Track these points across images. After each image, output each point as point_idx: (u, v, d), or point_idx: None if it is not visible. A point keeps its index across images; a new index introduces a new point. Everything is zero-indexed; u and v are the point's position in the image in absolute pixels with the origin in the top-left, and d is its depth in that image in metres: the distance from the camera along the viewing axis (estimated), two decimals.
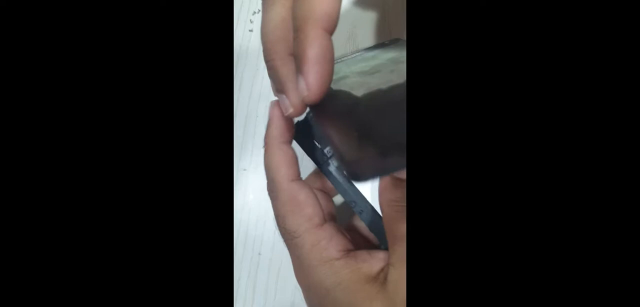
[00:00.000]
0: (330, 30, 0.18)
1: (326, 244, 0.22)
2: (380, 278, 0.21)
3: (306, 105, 0.20)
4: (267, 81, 0.42)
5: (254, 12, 0.45)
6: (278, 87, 0.21)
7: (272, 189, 0.23)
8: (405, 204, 0.21)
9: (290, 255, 0.24)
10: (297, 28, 0.18)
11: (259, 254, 0.36)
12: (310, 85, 0.18)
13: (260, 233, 0.36)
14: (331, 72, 0.18)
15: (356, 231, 0.27)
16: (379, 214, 0.25)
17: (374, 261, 0.22)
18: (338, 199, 0.28)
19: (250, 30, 0.44)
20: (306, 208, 0.23)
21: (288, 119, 0.23)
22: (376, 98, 0.21)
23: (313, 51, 0.18)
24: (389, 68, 0.25)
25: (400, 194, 0.21)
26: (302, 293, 0.24)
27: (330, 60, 0.18)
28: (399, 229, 0.21)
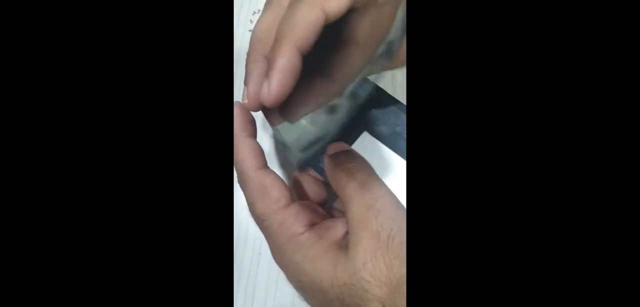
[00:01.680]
0: (303, 52, 0.20)
1: (292, 221, 0.24)
2: (343, 244, 0.23)
3: (262, 105, 0.22)
4: None
5: (254, 12, 0.44)
6: (245, 80, 0.23)
7: (242, 180, 0.25)
8: (350, 167, 0.24)
9: (266, 239, 0.25)
10: (275, 39, 0.20)
11: (259, 254, 0.36)
12: (270, 89, 0.20)
13: (260, 233, 0.36)
14: (291, 86, 0.20)
15: (340, 212, 0.29)
16: None
17: (337, 229, 0.24)
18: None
19: (250, 30, 0.44)
20: (272, 191, 0.24)
21: (249, 114, 0.25)
22: None
23: (281, 62, 0.19)
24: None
25: (345, 158, 0.24)
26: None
27: (294, 76, 0.20)
28: (345, 192, 0.23)
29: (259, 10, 0.45)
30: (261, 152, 0.26)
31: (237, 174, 0.26)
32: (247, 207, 0.26)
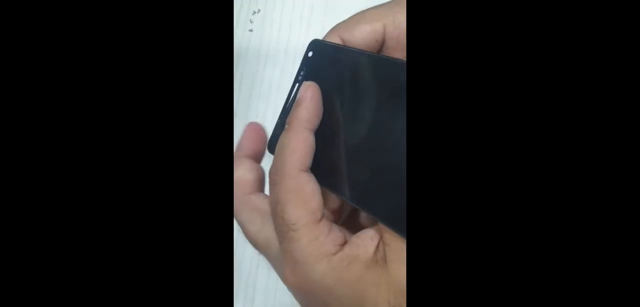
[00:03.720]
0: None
1: (324, 239, 0.21)
2: (379, 259, 0.21)
3: None
4: (266, 82, 0.42)
5: (254, 12, 0.45)
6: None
7: (278, 173, 0.22)
8: None
9: (281, 248, 0.22)
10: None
11: (259, 254, 0.36)
12: None
13: None
14: None
15: (357, 221, 0.26)
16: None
17: (368, 243, 0.21)
18: None
19: (250, 30, 0.44)
20: (312, 202, 0.21)
21: (320, 105, 0.23)
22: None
23: None
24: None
25: None
26: (294, 295, 0.23)
27: None
28: None
29: (259, 10, 0.45)
30: (312, 152, 0.22)
31: (275, 163, 0.22)
32: (272, 205, 0.22)
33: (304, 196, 0.21)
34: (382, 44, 0.25)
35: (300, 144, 0.22)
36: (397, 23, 0.24)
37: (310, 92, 0.23)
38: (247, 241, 0.37)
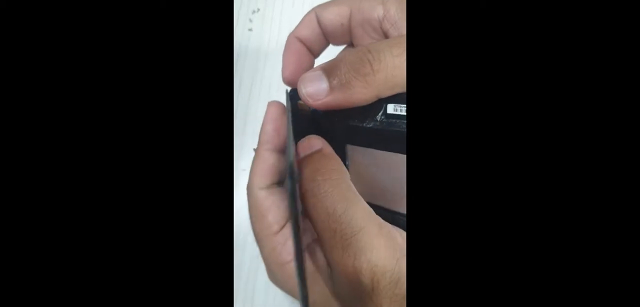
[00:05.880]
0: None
1: (281, 248, 0.24)
2: (323, 269, 0.23)
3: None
4: (266, 81, 0.42)
5: (254, 12, 0.44)
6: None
7: (247, 192, 0.25)
8: (318, 183, 0.21)
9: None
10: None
11: (259, 255, 0.36)
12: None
13: None
14: None
15: None
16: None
17: (318, 253, 0.23)
18: None
19: (250, 30, 0.44)
20: (268, 216, 0.24)
21: (281, 123, 0.25)
22: None
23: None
24: None
25: (312, 169, 0.22)
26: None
27: None
28: (313, 216, 0.21)
29: (259, 9, 0.45)
30: (273, 169, 0.24)
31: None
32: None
33: (261, 211, 0.24)
34: (349, 28, 0.28)
35: (258, 165, 0.25)
36: (361, 8, 0.27)
37: (270, 113, 0.25)
38: (246, 242, 0.37)
